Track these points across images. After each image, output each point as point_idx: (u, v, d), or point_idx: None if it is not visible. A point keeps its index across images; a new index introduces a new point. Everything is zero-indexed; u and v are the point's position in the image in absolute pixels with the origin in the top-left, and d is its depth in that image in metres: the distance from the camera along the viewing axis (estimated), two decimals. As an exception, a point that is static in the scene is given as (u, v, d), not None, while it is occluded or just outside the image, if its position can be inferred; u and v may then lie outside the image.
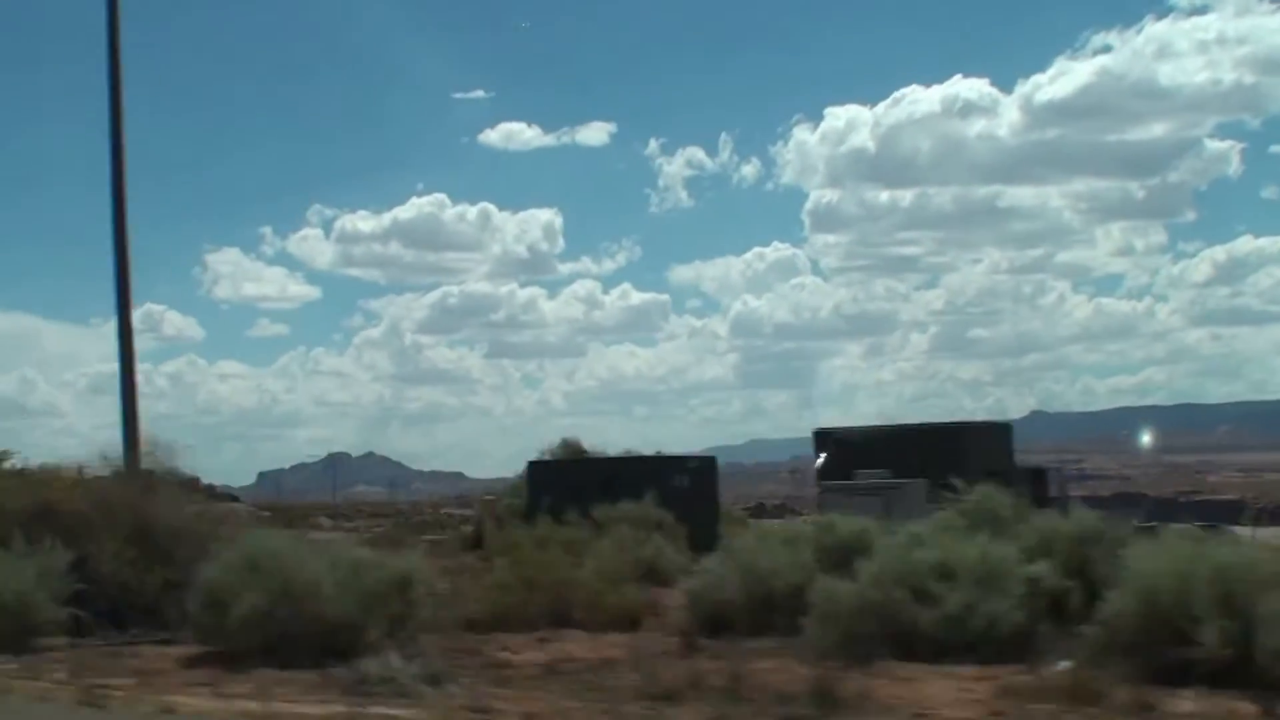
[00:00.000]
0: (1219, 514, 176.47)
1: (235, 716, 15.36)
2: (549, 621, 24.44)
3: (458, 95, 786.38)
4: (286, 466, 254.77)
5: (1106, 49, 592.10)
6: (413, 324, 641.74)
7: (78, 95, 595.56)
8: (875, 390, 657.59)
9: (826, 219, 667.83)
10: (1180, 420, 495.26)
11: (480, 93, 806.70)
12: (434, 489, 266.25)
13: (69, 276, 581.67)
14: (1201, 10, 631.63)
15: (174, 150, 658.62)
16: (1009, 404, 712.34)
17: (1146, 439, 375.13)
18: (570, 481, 53.81)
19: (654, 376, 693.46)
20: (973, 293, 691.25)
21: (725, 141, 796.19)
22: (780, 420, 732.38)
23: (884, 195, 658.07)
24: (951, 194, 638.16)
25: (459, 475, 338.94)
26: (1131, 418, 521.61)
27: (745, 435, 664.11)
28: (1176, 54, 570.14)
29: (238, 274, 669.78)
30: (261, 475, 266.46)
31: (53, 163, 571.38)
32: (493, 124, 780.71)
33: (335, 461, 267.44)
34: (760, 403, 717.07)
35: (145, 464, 30.75)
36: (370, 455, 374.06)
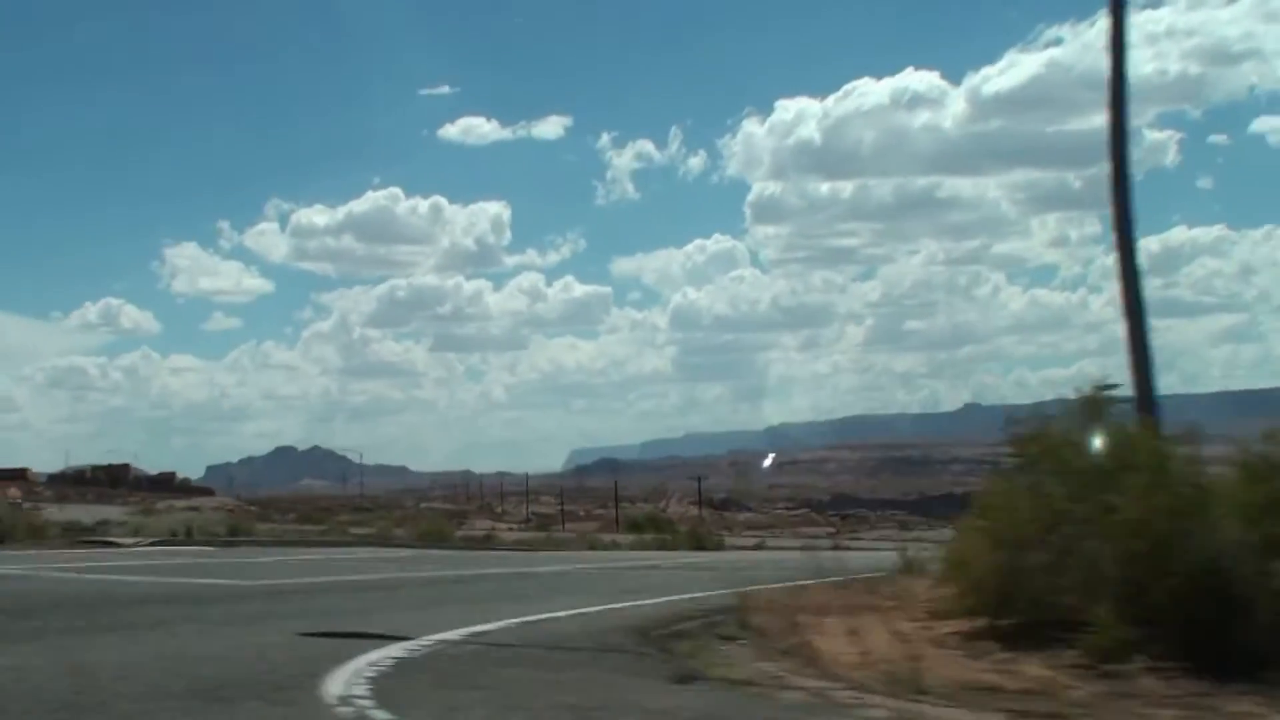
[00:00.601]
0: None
1: None
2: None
3: (424, 91, 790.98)
4: (235, 460, 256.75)
5: (1058, 41, 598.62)
6: (361, 317, 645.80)
7: (51, 78, 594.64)
8: (811, 383, 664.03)
9: (768, 211, 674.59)
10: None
11: (446, 88, 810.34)
12: (381, 483, 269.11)
13: (25, 268, 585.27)
14: (1155, 4, 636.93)
15: (134, 144, 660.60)
16: (943, 396, 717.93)
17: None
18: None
19: (594, 369, 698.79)
20: (909, 284, 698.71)
21: (676, 134, 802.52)
22: (717, 414, 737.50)
23: (825, 187, 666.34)
24: (892, 185, 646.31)
25: (403, 469, 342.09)
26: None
27: (683, 428, 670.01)
28: (1129, 44, 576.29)
29: (195, 268, 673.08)
30: (210, 469, 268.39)
31: (9, 153, 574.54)
32: (453, 118, 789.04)
33: (285, 455, 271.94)
34: (698, 396, 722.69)
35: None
36: (316, 449, 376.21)
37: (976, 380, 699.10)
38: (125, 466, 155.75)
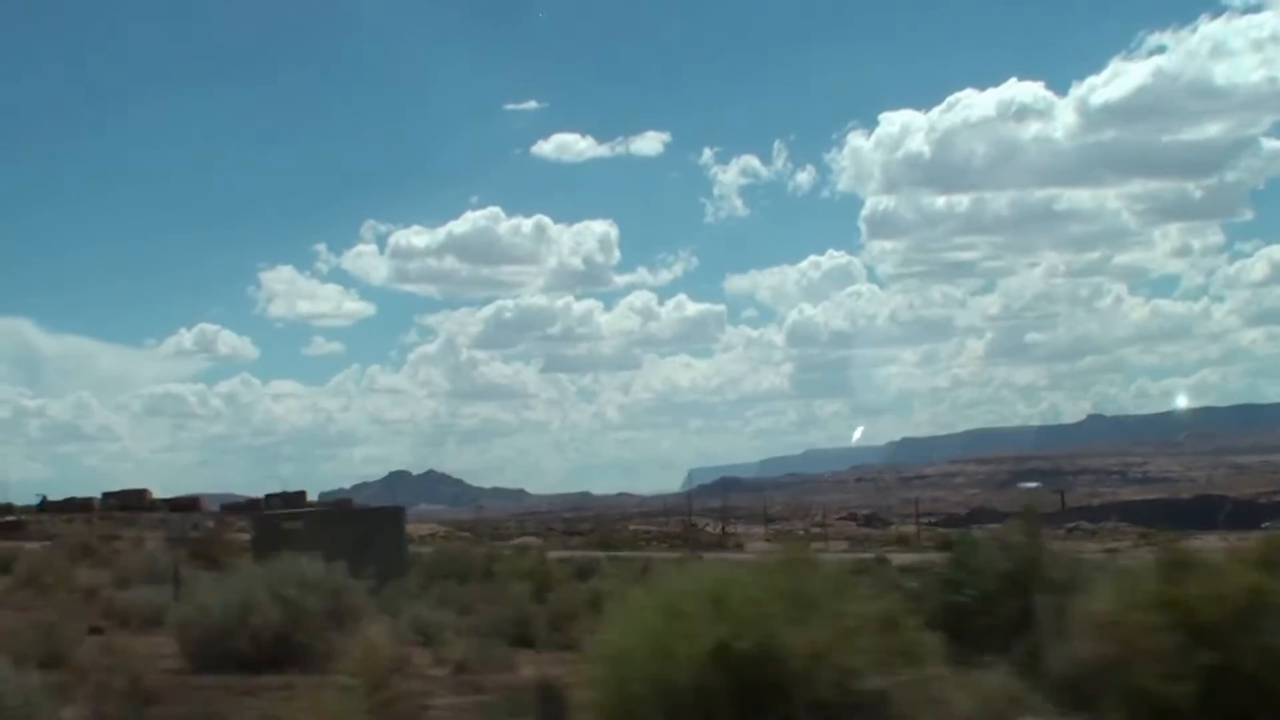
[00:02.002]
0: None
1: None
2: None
3: (510, 106, 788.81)
4: (348, 486, 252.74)
5: (1161, 49, 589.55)
6: (468, 339, 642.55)
7: (135, 117, 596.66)
8: (930, 397, 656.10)
9: (883, 225, 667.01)
10: (1238, 421, 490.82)
11: (533, 103, 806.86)
12: (499, 506, 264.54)
13: (116, 295, 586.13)
14: (1256, 8, 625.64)
15: (227, 168, 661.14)
16: (1064, 408, 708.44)
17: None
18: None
19: (709, 388, 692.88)
20: (1029, 297, 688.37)
21: (780, 149, 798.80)
22: (836, 430, 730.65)
23: (940, 200, 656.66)
24: (1008, 198, 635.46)
25: (521, 492, 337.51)
26: (1189, 420, 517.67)
27: (802, 445, 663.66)
28: (1231, 53, 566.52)
29: (292, 292, 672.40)
30: (323, 495, 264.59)
31: (103, 180, 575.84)
32: (546, 135, 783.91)
33: (399, 480, 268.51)
34: (816, 412, 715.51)
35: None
36: (430, 473, 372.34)
37: (1098, 391, 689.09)
38: (301, 493, 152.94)
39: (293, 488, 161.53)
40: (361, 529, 48.33)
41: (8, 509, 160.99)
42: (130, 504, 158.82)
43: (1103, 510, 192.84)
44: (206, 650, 20.15)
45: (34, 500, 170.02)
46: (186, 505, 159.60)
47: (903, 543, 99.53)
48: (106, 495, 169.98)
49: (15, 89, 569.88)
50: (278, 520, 56.21)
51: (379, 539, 48.09)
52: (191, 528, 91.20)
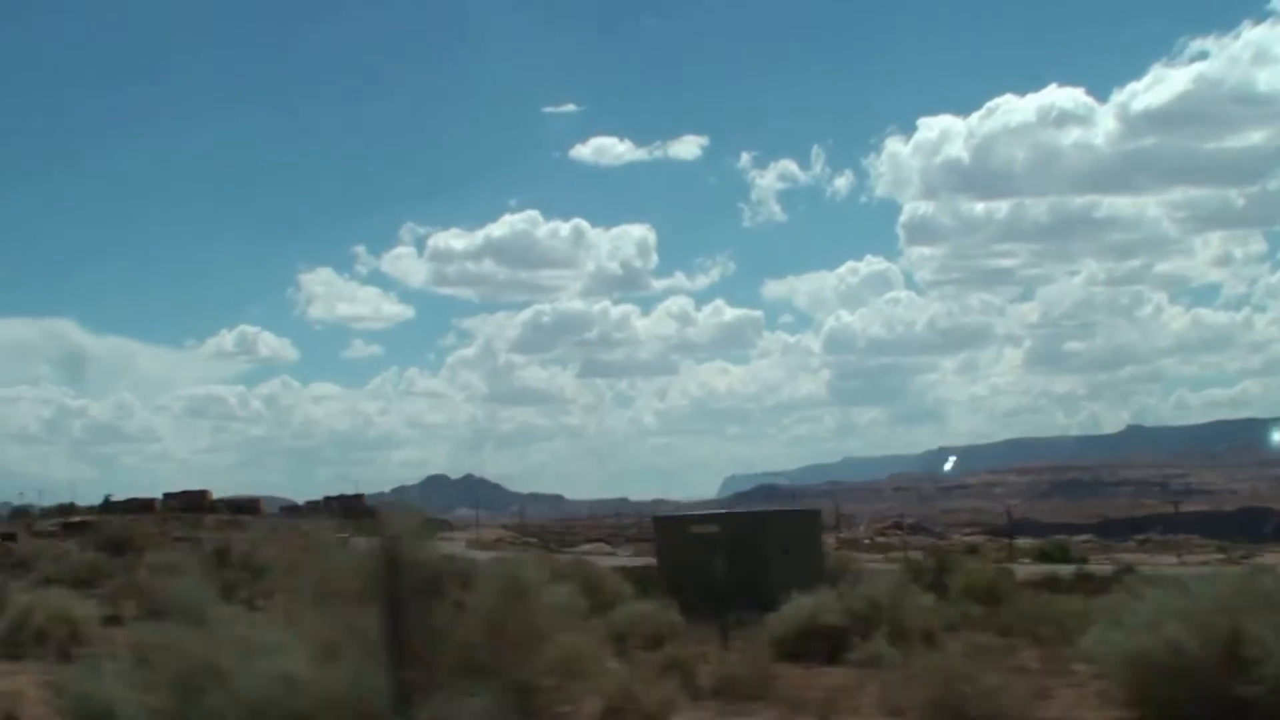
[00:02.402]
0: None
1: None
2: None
3: (548, 109, 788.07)
4: (386, 490, 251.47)
5: (1203, 55, 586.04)
6: (506, 342, 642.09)
7: (176, 116, 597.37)
8: (969, 405, 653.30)
9: (921, 231, 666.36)
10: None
11: (571, 106, 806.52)
12: (537, 511, 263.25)
13: (157, 297, 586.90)
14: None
15: (266, 170, 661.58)
16: (1103, 418, 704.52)
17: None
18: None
19: (747, 394, 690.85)
20: (1068, 305, 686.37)
21: (818, 154, 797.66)
22: (873, 437, 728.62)
23: (979, 207, 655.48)
24: (1047, 204, 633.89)
25: (558, 497, 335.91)
26: (1229, 431, 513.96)
27: (840, 453, 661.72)
28: (1275, 59, 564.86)
29: (331, 294, 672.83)
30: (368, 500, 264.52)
31: (144, 182, 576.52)
32: (584, 138, 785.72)
33: (437, 484, 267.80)
34: (854, 420, 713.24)
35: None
36: (468, 477, 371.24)
37: (1137, 401, 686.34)
38: (360, 496, 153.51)
39: (351, 490, 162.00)
40: (783, 532, 46.46)
41: (71, 509, 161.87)
42: (192, 505, 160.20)
43: (1147, 522, 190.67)
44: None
45: (96, 501, 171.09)
46: (247, 507, 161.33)
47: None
48: (168, 496, 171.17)
49: (65, 101, 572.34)
50: (683, 523, 54.18)
51: (798, 543, 46.22)
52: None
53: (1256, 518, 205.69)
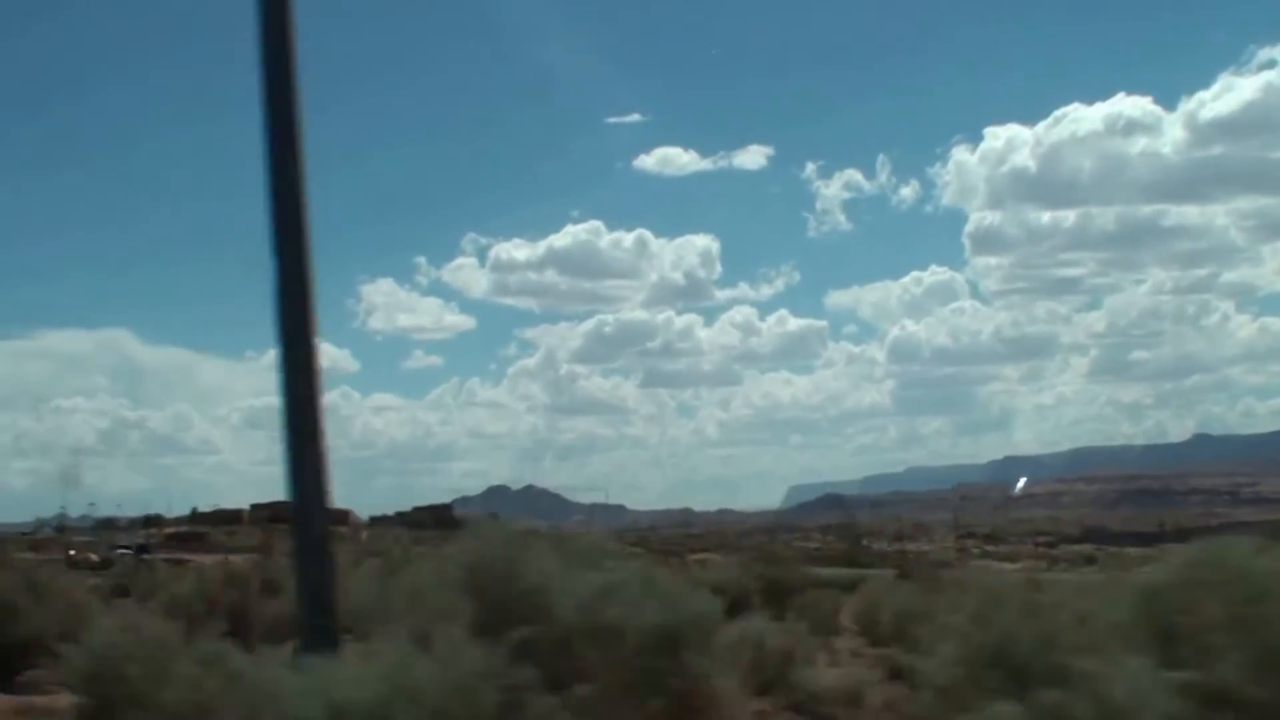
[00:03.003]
0: None
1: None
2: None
3: (612, 119, 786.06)
4: (449, 500, 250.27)
5: (1272, 64, 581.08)
6: (568, 353, 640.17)
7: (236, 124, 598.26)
8: (1035, 415, 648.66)
9: (987, 241, 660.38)
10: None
11: (636, 116, 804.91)
12: (599, 522, 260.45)
13: (220, 310, 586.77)
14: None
15: (326, 182, 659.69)
16: (1169, 427, 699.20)
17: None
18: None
19: (810, 404, 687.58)
20: (1135, 314, 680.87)
21: (883, 163, 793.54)
22: (937, 447, 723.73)
23: (1046, 216, 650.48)
24: (1114, 213, 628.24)
25: (620, 508, 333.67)
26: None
27: (904, 463, 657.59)
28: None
29: (392, 305, 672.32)
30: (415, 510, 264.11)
31: (202, 194, 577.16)
32: (648, 149, 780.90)
33: (498, 494, 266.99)
34: (918, 430, 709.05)
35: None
36: (529, 488, 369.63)
37: (1203, 410, 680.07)
38: (448, 506, 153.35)
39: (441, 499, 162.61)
40: None
41: (158, 520, 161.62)
42: (280, 515, 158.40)
43: (1221, 530, 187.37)
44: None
45: (185, 510, 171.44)
46: (339, 518, 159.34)
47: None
48: (255, 507, 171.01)
49: (117, 105, 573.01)
50: None
51: None
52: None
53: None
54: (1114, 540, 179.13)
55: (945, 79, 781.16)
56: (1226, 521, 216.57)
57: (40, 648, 21.67)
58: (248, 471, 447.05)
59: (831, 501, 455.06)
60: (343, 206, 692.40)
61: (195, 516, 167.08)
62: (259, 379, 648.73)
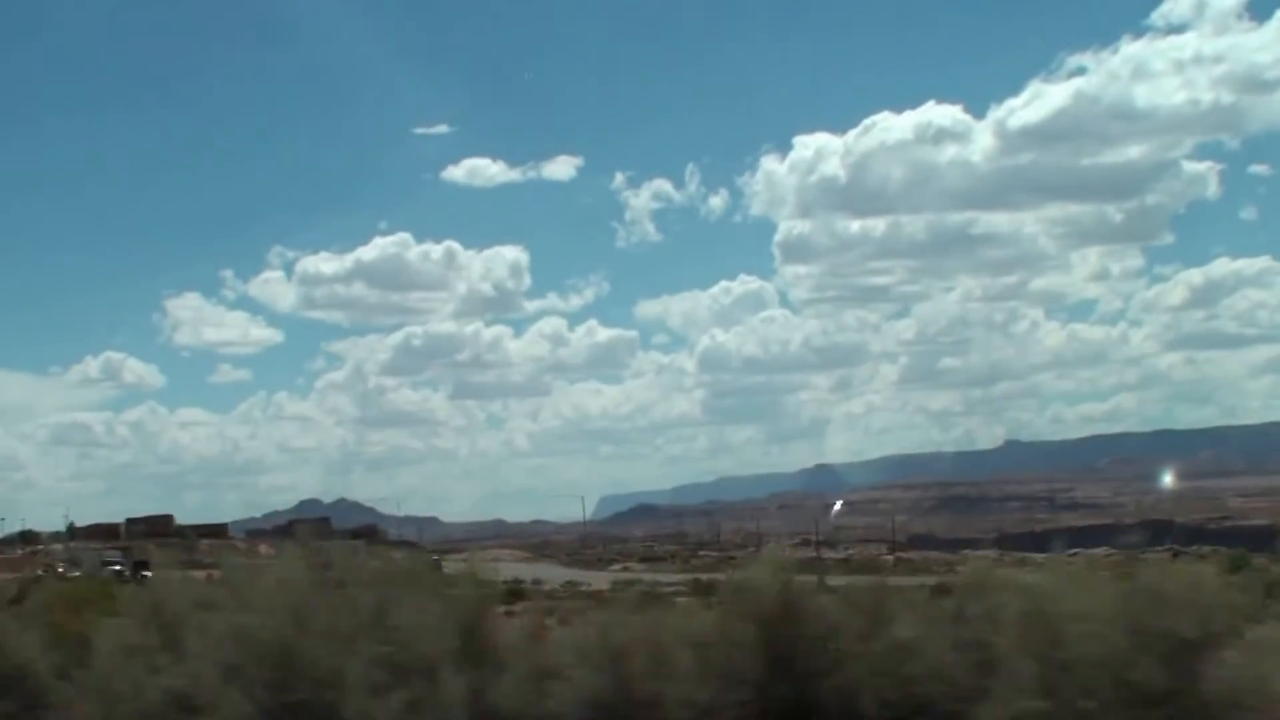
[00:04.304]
0: (1251, 539, 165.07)
1: None
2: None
3: (419, 130, 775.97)
4: (259, 515, 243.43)
5: (1081, 71, 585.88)
6: (376, 366, 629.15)
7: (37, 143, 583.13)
8: (844, 423, 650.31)
9: (797, 250, 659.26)
10: (1156, 447, 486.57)
11: (443, 127, 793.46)
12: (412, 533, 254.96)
13: (20, 323, 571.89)
14: (1179, 29, 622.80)
15: (131, 193, 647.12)
16: (978, 434, 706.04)
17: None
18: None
19: (620, 414, 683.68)
20: (944, 322, 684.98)
21: (693, 172, 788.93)
22: (748, 456, 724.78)
23: (855, 225, 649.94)
24: (924, 222, 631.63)
25: (433, 520, 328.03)
26: (1107, 445, 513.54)
27: (714, 472, 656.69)
28: (1153, 74, 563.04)
29: (199, 319, 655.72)
30: (232, 525, 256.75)
31: (3, 207, 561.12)
32: (456, 160, 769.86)
33: (311, 508, 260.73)
34: (728, 439, 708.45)
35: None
36: (341, 501, 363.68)
37: (1012, 417, 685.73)
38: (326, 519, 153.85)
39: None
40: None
41: (32, 536, 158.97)
42: (156, 530, 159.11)
43: (1045, 537, 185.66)
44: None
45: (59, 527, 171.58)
46: (215, 532, 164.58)
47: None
48: (131, 521, 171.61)
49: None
50: None
51: None
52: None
53: (1159, 531, 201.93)
54: (941, 547, 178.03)
55: (754, 88, 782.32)
56: (1052, 527, 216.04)
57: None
58: (54, 489, 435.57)
59: (644, 511, 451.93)
60: (148, 220, 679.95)
61: (73, 532, 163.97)
62: (66, 395, 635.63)
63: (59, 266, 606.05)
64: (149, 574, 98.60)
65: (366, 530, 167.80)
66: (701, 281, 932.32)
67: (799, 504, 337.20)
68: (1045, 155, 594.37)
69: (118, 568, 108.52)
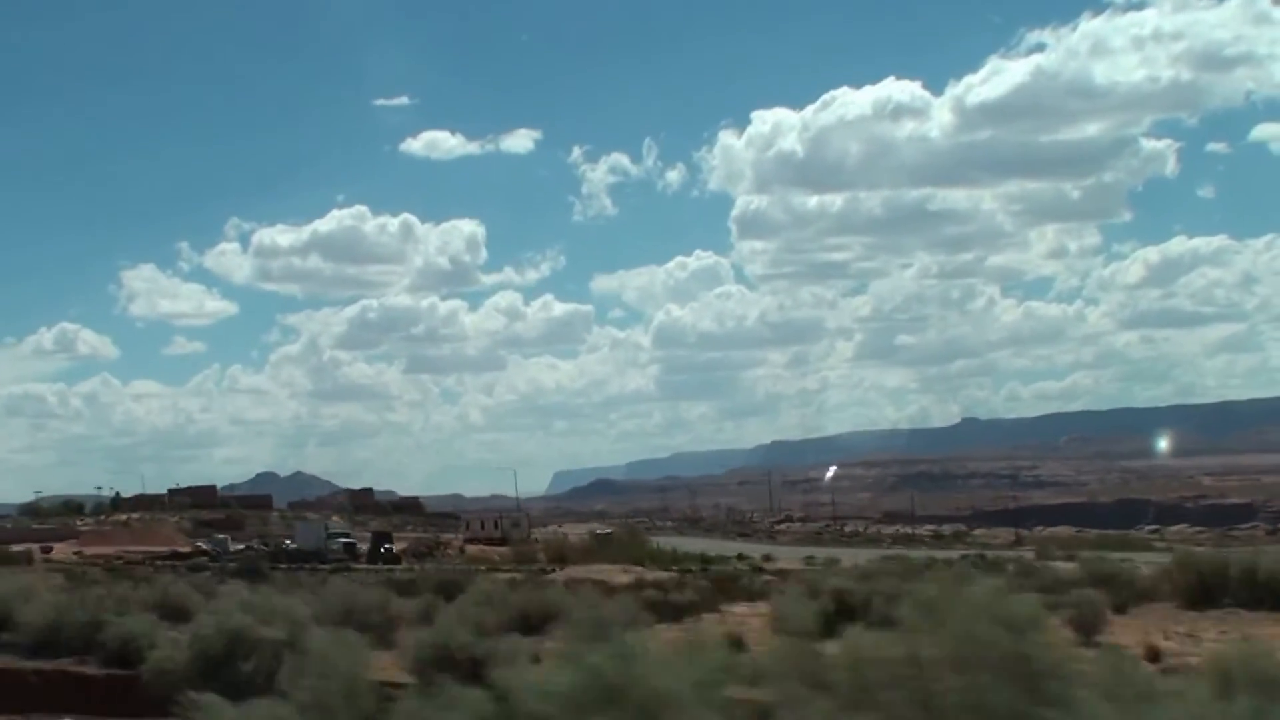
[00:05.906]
0: (1230, 517, 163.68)
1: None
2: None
3: (379, 102, 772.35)
4: (219, 485, 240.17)
5: (1041, 47, 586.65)
6: (331, 339, 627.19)
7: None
8: (799, 399, 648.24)
9: (753, 225, 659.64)
10: (1113, 425, 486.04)
11: (404, 99, 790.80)
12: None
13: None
14: (1139, 5, 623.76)
15: (88, 164, 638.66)
16: (934, 411, 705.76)
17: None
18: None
19: (574, 389, 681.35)
20: (900, 298, 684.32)
21: (650, 147, 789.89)
22: (703, 432, 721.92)
23: (813, 200, 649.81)
24: (881, 198, 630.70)
25: (390, 494, 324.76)
26: (1064, 423, 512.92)
27: (669, 448, 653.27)
28: (1112, 51, 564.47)
29: (154, 291, 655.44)
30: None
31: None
32: (415, 132, 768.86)
33: (267, 481, 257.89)
34: (683, 415, 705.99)
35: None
36: (298, 474, 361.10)
37: (967, 395, 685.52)
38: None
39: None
40: None
41: (80, 508, 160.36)
42: (202, 501, 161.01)
43: (1020, 514, 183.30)
44: None
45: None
46: (261, 503, 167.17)
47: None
48: (173, 492, 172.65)
49: None
50: None
51: None
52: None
53: (1134, 509, 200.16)
54: (921, 522, 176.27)
55: (712, 62, 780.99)
56: (1027, 505, 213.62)
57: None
58: (6, 459, 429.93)
59: (601, 486, 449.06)
60: (104, 192, 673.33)
61: (118, 503, 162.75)
62: (19, 366, 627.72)
63: (14, 238, 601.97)
64: (390, 547, 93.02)
65: (409, 502, 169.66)
66: (658, 256, 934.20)
67: (760, 480, 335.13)
68: (1003, 132, 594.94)
69: (347, 540, 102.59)
